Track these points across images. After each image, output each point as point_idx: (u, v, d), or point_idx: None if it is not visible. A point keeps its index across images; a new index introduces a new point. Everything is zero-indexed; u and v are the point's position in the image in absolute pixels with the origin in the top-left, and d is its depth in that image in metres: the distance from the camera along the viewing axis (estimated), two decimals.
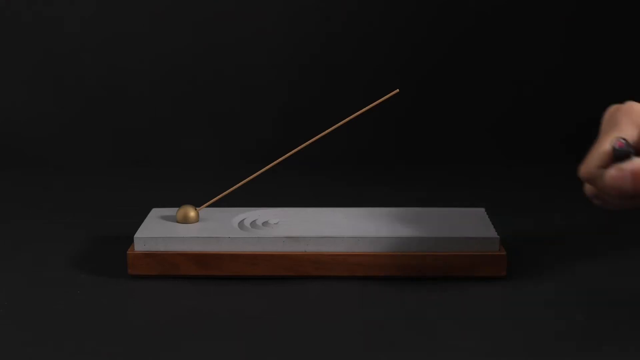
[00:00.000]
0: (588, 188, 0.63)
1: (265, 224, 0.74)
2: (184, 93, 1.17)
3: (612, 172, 0.58)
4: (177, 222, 0.73)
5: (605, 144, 0.59)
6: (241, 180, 0.74)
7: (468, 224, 0.72)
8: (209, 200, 0.74)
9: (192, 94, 1.17)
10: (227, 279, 0.70)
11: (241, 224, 0.74)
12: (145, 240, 0.70)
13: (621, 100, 0.71)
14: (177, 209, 0.74)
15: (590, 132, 1.05)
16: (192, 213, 0.73)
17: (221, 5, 1.17)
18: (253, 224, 0.74)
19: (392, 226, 0.72)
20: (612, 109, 0.62)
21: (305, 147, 0.74)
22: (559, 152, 1.12)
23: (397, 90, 0.73)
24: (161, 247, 0.70)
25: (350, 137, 1.08)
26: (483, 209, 0.77)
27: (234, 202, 0.77)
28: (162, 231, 0.71)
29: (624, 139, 0.58)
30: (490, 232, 0.71)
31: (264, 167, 0.75)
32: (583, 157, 0.60)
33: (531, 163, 1.09)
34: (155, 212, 0.76)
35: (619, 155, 0.58)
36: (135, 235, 0.70)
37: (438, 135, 1.14)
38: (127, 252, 0.70)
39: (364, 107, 0.73)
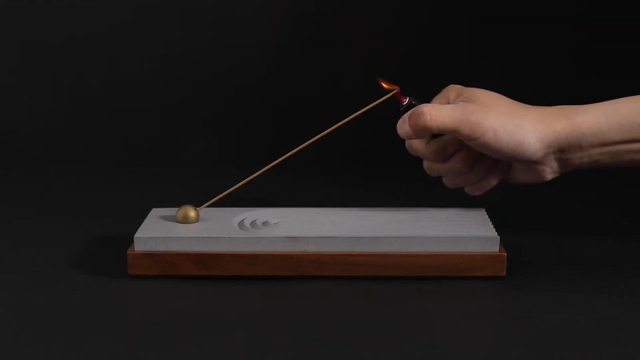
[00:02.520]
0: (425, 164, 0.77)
1: (265, 224, 0.74)
2: (184, 93, 1.17)
3: (398, 123, 0.71)
4: (177, 222, 0.73)
5: None
6: (241, 180, 0.74)
7: (468, 224, 0.72)
8: (209, 200, 0.74)
9: (193, 93, 1.17)
10: (227, 279, 0.70)
11: (241, 224, 0.74)
12: (145, 240, 0.70)
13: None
14: (177, 209, 0.74)
15: None
16: (192, 213, 0.73)
17: (221, 4, 1.17)
18: (253, 224, 0.74)
19: (392, 226, 0.72)
20: None
21: (305, 147, 0.74)
22: None
23: (398, 89, 0.73)
24: (161, 247, 0.70)
25: (350, 137, 1.08)
26: (483, 209, 0.77)
27: (234, 202, 0.77)
28: (162, 231, 0.71)
29: (410, 97, 0.73)
30: (490, 232, 0.71)
31: (264, 167, 0.75)
32: None
33: None
34: (155, 212, 0.76)
35: (404, 110, 0.73)
36: (135, 235, 0.70)
37: None
38: (127, 252, 0.70)
39: (364, 107, 0.73)
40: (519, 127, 0.68)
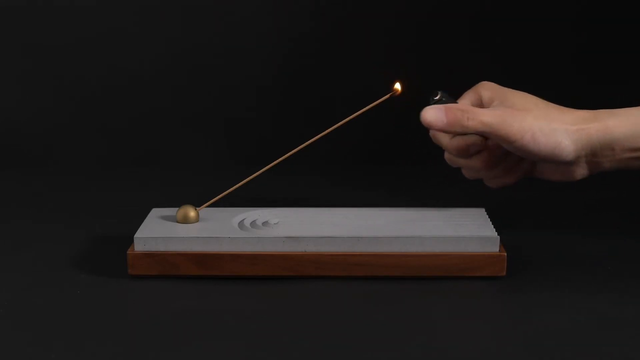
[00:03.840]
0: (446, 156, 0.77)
1: (265, 224, 0.74)
2: (184, 93, 1.17)
3: (428, 110, 0.70)
4: (177, 222, 0.73)
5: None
6: (241, 180, 0.74)
7: (468, 224, 0.72)
8: (209, 200, 0.74)
9: (192, 94, 1.17)
10: (227, 279, 0.70)
11: (241, 224, 0.74)
12: (145, 240, 0.70)
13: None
14: (177, 209, 0.74)
15: None
16: (192, 213, 0.73)
17: (221, 6, 1.17)
18: (253, 224, 0.74)
19: (391, 226, 0.72)
20: None
21: (305, 147, 0.74)
22: None
23: (399, 91, 0.73)
24: (161, 247, 0.70)
25: (350, 137, 1.08)
26: (483, 209, 0.77)
27: (234, 202, 0.77)
28: (162, 231, 0.71)
29: (441, 91, 0.72)
30: (490, 232, 0.71)
31: (264, 167, 0.75)
32: None
33: None
34: (155, 212, 0.76)
35: (436, 103, 0.71)
36: (135, 235, 0.70)
37: None
38: (127, 252, 0.70)
39: (364, 106, 0.73)
40: (555, 130, 0.69)
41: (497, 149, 0.73)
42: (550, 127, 0.69)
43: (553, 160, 0.70)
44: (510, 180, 0.76)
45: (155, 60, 1.17)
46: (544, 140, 0.68)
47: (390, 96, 0.74)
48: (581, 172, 0.72)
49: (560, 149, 0.69)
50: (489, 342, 0.59)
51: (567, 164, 0.71)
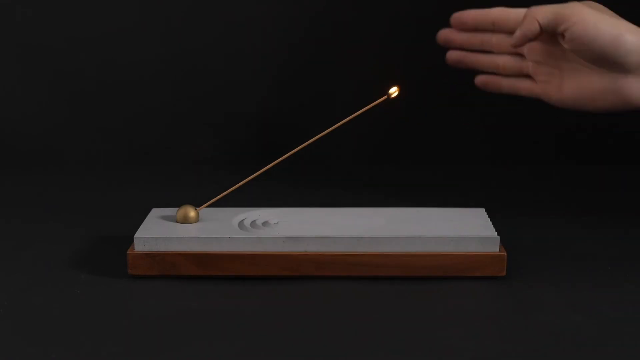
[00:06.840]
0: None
1: (265, 224, 0.74)
2: (184, 93, 1.17)
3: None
4: (177, 222, 0.73)
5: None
6: (241, 180, 0.74)
7: (468, 224, 0.72)
8: (209, 200, 0.74)
9: (193, 94, 1.17)
10: (227, 279, 0.70)
11: (241, 224, 0.74)
12: (145, 240, 0.70)
13: None
14: (177, 209, 0.74)
15: (587, 134, 1.06)
16: (192, 213, 0.73)
17: (222, 7, 1.17)
18: (253, 224, 0.74)
19: (392, 226, 0.72)
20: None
21: (305, 147, 0.74)
22: (559, 153, 1.12)
23: (396, 90, 0.73)
24: (161, 247, 0.70)
25: (351, 138, 1.08)
26: (483, 209, 0.77)
27: (234, 202, 0.77)
28: (162, 231, 0.71)
29: None
30: (490, 232, 0.71)
31: (264, 167, 0.75)
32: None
33: (531, 163, 1.09)
34: (155, 212, 0.76)
35: None
36: (135, 235, 0.70)
37: (438, 136, 1.14)
38: (127, 252, 0.70)
39: (364, 107, 0.73)
40: (619, 25, 0.67)
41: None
42: (614, 22, 0.67)
43: (612, 54, 0.67)
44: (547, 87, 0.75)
45: (155, 61, 1.17)
46: (607, 29, 0.66)
47: (388, 97, 0.74)
48: (637, 88, 0.68)
49: (622, 41, 0.66)
50: (489, 342, 0.59)
51: (625, 69, 0.67)
